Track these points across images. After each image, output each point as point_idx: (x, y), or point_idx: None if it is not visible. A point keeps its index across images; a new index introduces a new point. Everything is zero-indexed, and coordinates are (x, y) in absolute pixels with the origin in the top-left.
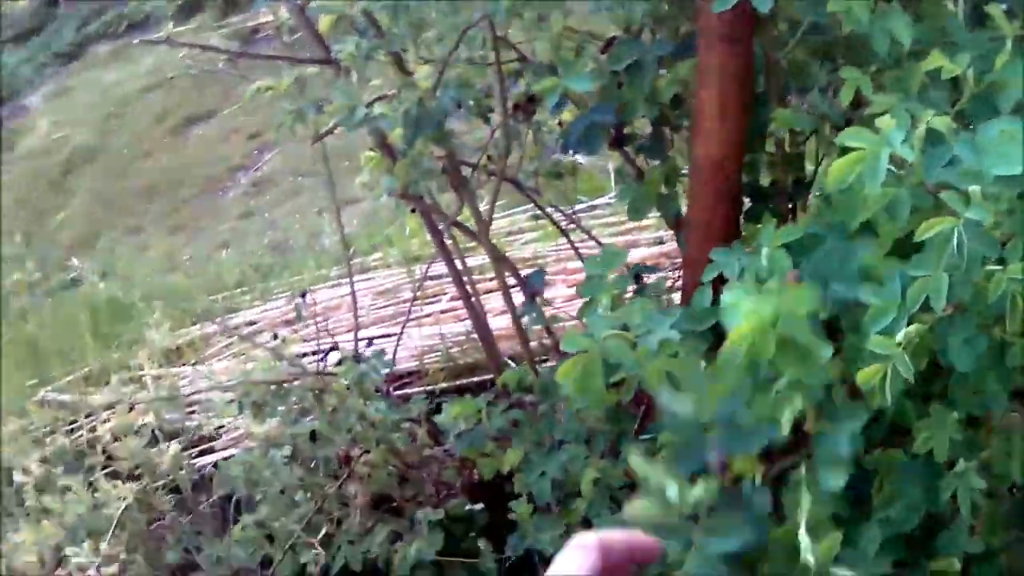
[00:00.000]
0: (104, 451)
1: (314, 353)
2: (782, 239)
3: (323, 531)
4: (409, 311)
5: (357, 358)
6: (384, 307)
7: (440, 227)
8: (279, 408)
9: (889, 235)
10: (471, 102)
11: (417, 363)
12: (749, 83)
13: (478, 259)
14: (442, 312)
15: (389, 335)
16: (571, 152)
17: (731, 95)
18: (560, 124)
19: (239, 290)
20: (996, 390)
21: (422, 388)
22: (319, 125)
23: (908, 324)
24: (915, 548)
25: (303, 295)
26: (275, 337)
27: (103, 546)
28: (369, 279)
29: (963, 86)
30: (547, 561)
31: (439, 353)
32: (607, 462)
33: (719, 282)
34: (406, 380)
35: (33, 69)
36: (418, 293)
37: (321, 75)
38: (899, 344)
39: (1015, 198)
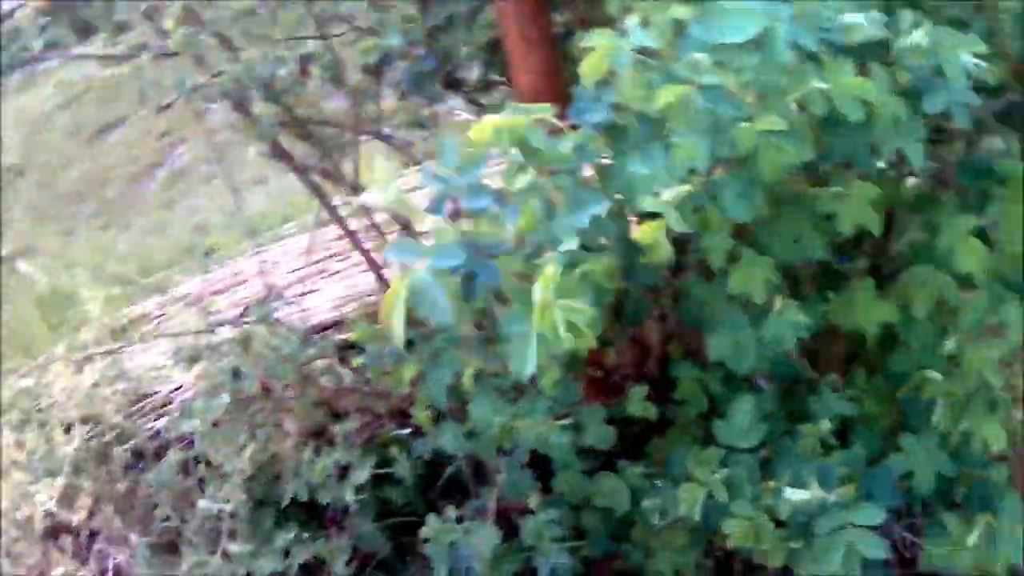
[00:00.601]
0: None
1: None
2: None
3: (249, 454)
4: (301, 275)
5: (262, 301)
6: (301, 269)
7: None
8: (211, 357)
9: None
10: (316, 69)
11: (337, 314)
12: (544, 17)
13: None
14: (355, 266)
15: (307, 292)
16: (415, 98)
17: (532, 30)
18: None
19: (169, 270)
20: (810, 237)
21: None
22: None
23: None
24: (792, 419)
25: (206, 254)
26: (199, 300)
27: (58, 481)
28: (284, 246)
29: None
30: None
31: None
32: (482, 359)
33: None
34: (329, 329)
35: None
36: (325, 251)
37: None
38: (667, 202)
39: (761, 63)
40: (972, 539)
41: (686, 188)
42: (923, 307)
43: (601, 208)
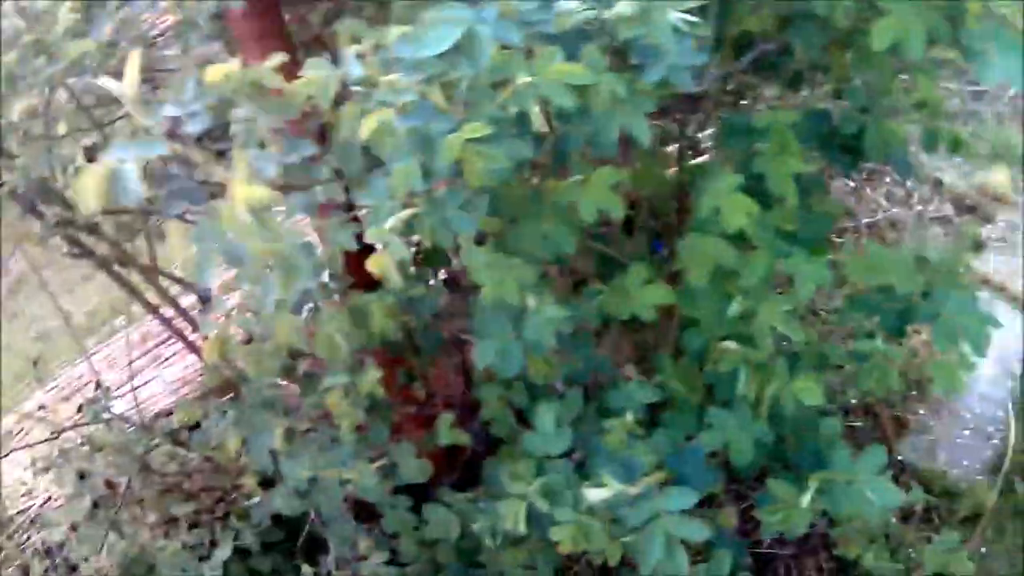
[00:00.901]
0: None
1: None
2: None
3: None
4: (138, 366)
5: (92, 401)
6: (137, 359)
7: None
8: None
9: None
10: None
11: (175, 398)
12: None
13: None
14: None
15: (144, 383)
16: None
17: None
18: None
19: (22, 384)
20: (557, 232)
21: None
22: None
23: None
24: (601, 417)
25: (35, 363)
26: (41, 408)
27: None
28: (120, 338)
29: None
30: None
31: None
32: (289, 420)
33: None
34: (171, 415)
35: None
36: (157, 337)
37: None
38: (390, 230)
39: (467, 68)
40: (805, 500)
41: (409, 212)
42: (700, 277)
43: (311, 152)
